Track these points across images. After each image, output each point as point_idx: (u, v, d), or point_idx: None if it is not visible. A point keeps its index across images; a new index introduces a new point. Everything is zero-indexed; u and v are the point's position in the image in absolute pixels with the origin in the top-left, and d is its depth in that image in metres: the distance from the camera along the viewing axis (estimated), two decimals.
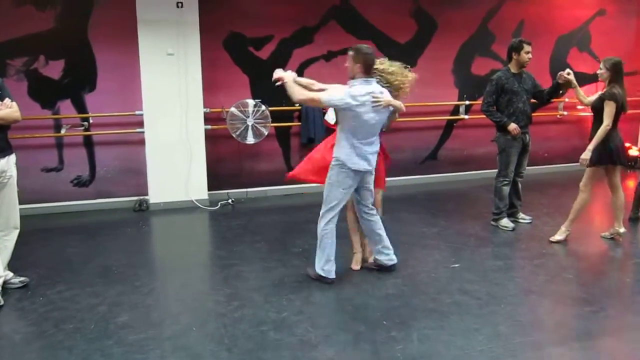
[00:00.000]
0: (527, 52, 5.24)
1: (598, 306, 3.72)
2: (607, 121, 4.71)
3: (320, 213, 4.09)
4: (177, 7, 6.21)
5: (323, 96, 3.89)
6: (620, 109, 4.76)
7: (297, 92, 3.94)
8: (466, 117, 7.93)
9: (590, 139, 4.82)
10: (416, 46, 7.59)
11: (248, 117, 6.54)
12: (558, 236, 5.07)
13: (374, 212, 4.25)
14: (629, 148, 8.86)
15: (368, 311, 3.68)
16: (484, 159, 8.08)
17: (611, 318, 3.59)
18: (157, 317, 3.62)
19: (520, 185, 5.68)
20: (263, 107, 6.57)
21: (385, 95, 3.94)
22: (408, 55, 7.45)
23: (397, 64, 4.27)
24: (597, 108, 4.84)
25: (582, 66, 8.17)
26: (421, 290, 4.00)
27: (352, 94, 3.82)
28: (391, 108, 4.00)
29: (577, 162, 4.90)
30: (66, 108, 6.28)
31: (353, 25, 7.20)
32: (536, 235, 5.31)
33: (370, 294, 3.97)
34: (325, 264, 4.09)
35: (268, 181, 7.15)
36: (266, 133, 6.64)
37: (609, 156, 4.81)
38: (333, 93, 3.91)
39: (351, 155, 3.94)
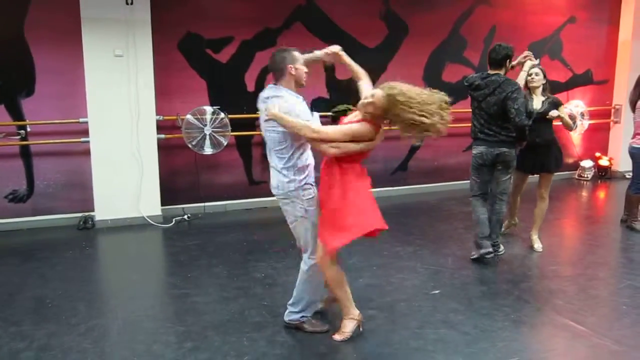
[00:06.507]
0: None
1: (596, 339, 3.34)
2: None
3: None
4: (127, 4, 5.62)
5: None
6: None
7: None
8: None
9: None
10: (386, 51, 7.19)
11: (205, 125, 6.01)
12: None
13: (306, 260, 3.37)
14: (599, 158, 8.72)
15: (342, 353, 3.19)
16: (455, 169, 7.76)
17: (615, 354, 3.20)
18: None
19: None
20: (222, 115, 6.05)
21: (275, 103, 3.11)
22: (378, 60, 7.09)
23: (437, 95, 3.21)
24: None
25: (554, 74, 7.94)
26: (401, 324, 3.54)
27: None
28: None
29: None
30: None
31: (319, 28, 6.75)
32: (518, 254, 4.95)
33: None
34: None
35: (228, 195, 6.62)
36: (225, 143, 6.12)
37: None
38: None
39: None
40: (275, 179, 3.28)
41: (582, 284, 4.29)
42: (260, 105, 3.30)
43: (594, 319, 3.64)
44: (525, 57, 4.87)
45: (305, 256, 3.37)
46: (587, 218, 6.64)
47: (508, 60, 4.65)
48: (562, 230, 6.04)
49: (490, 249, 4.69)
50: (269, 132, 3.24)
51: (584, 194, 7.94)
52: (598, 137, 8.92)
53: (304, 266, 3.38)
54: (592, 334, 3.41)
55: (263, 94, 3.30)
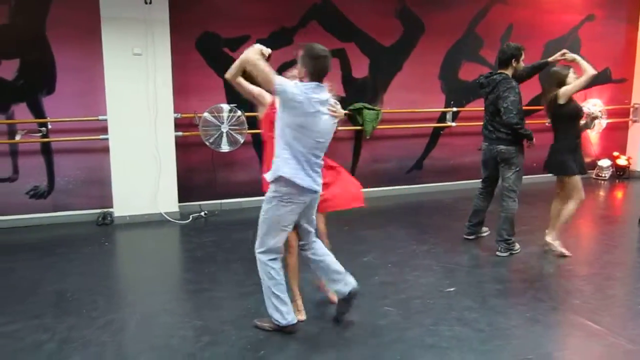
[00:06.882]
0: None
1: (612, 338, 3.33)
2: None
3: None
4: (145, 3, 5.70)
5: (276, 77, 3.06)
6: None
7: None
8: (453, 124, 7.57)
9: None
10: (402, 49, 7.19)
11: (222, 123, 6.07)
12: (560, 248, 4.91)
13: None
14: (617, 157, 8.63)
15: (360, 347, 3.22)
16: (470, 168, 7.73)
17: (630, 353, 3.20)
18: (112, 358, 3.11)
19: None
20: (239, 113, 6.10)
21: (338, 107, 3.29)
22: (393, 58, 7.10)
23: None
24: None
25: None
26: (416, 321, 3.56)
27: (306, 92, 3.10)
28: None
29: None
30: (21, 112, 5.71)
31: (335, 26, 6.78)
32: (533, 253, 4.94)
33: (360, 324, 3.52)
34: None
35: (244, 192, 6.66)
36: (242, 140, 6.17)
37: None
38: (285, 80, 3.10)
39: (298, 170, 3.20)
40: (319, 176, 3.35)
41: (598, 283, 4.27)
42: (324, 108, 3.16)
43: (609, 319, 3.63)
44: (562, 54, 4.93)
45: (313, 236, 3.56)
46: (604, 218, 6.58)
47: (514, 60, 4.75)
48: (579, 230, 5.99)
49: (469, 237, 5.26)
50: (332, 134, 3.32)
51: (602, 193, 7.86)
52: (616, 136, 8.84)
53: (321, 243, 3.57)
54: (608, 333, 3.40)
55: (321, 96, 3.14)
